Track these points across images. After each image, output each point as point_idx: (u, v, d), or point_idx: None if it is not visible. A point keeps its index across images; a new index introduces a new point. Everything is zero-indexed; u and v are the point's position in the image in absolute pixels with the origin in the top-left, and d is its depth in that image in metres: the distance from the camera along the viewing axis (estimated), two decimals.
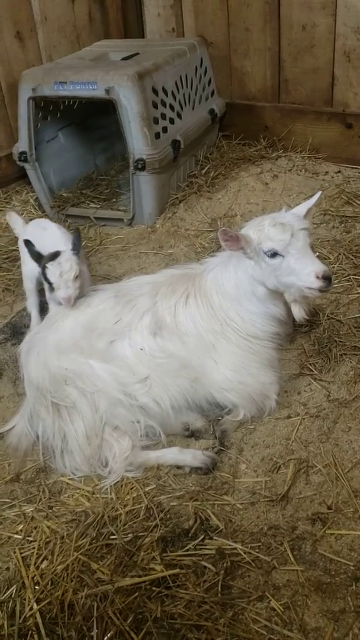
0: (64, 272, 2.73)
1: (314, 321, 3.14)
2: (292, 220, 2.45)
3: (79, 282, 2.77)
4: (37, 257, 2.87)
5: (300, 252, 2.41)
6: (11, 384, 3.01)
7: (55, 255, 2.80)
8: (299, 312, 2.54)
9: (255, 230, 2.48)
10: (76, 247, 2.85)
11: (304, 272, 2.39)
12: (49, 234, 3.13)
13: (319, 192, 2.73)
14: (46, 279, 2.81)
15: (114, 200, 4.62)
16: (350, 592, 2.01)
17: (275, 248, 2.41)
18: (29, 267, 3.18)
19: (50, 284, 2.79)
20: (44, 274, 2.81)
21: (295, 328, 3.05)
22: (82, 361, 2.56)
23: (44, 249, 2.92)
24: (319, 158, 4.75)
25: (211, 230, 4.14)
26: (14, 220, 3.40)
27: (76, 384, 2.53)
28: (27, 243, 2.91)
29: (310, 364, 2.91)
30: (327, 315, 3.16)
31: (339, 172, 4.61)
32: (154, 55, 4.30)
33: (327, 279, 2.38)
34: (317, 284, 2.38)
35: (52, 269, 2.75)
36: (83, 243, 4.14)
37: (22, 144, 4.27)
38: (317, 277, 2.37)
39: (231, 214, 4.28)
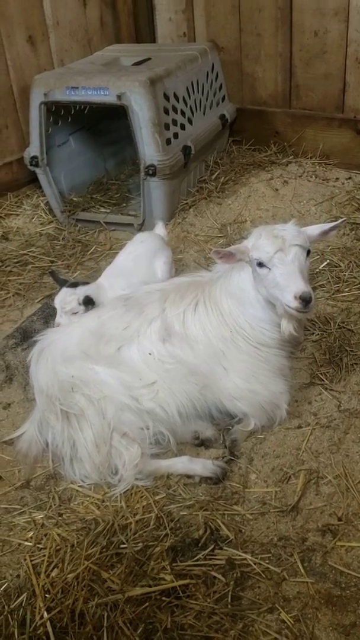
0: (60, 302, 3.05)
1: (324, 330, 3.13)
2: (288, 235, 2.41)
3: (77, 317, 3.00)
4: (61, 282, 3.16)
5: (287, 267, 2.35)
6: (21, 389, 3.02)
7: (70, 285, 3.10)
8: (286, 328, 2.46)
9: (254, 237, 2.49)
10: (87, 302, 3.02)
11: (286, 289, 2.33)
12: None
13: (343, 219, 2.69)
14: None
15: (124, 205, 4.63)
16: None
17: (261, 258, 2.40)
18: None
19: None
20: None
21: (305, 336, 3.05)
22: (89, 368, 2.57)
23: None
24: (330, 164, 4.74)
25: (221, 236, 4.15)
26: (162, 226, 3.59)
27: (83, 391, 2.53)
28: (52, 273, 3.32)
29: (321, 374, 2.91)
30: (338, 324, 3.15)
31: (350, 178, 4.60)
32: (166, 61, 4.30)
33: (305, 300, 2.29)
34: (295, 304, 2.31)
35: (58, 296, 3.09)
36: (92, 248, 4.16)
37: (34, 149, 4.28)
38: (295, 297, 2.30)
39: (241, 220, 4.28)
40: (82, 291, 3.05)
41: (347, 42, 4.46)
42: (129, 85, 3.89)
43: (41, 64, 4.67)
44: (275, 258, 2.36)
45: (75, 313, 3.01)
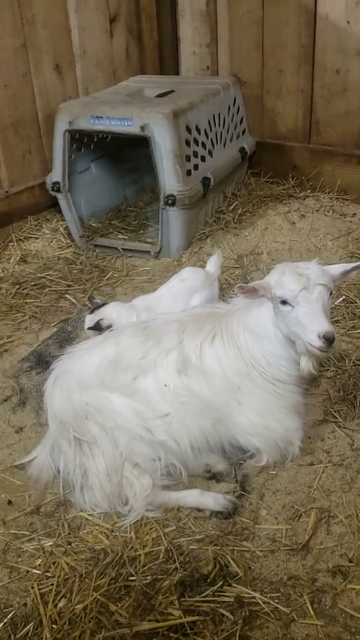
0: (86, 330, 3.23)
1: (339, 366, 3.13)
2: (313, 274, 2.43)
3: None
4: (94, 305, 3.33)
5: (311, 306, 2.37)
6: (34, 413, 3.03)
7: (96, 308, 3.25)
8: (306, 366, 2.49)
9: (277, 274, 2.51)
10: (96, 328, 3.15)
11: (309, 328, 2.35)
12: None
13: None
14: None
15: (142, 232, 4.69)
16: None
17: (285, 296, 2.41)
18: None
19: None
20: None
21: (320, 373, 3.05)
22: (103, 396, 2.58)
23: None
24: (347, 200, 4.79)
25: (237, 267, 4.17)
26: (215, 260, 3.54)
27: (97, 419, 2.54)
28: (90, 299, 3.47)
29: (334, 411, 2.90)
30: (353, 362, 3.15)
31: None
32: (189, 94, 4.38)
33: (328, 340, 2.32)
34: (318, 343, 2.33)
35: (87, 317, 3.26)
36: (109, 273, 4.21)
37: (56, 174, 4.36)
38: (319, 337, 2.32)
39: (257, 252, 4.31)
40: (96, 317, 3.18)
41: None
42: (152, 117, 3.97)
43: (67, 92, 4.77)
44: (299, 296, 2.38)
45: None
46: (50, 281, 4.11)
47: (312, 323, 2.35)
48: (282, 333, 2.51)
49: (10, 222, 4.59)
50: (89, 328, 3.18)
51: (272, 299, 2.50)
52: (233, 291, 3.79)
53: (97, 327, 3.12)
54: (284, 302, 2.42)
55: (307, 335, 2.36)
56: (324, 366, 3.14)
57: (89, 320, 3.21)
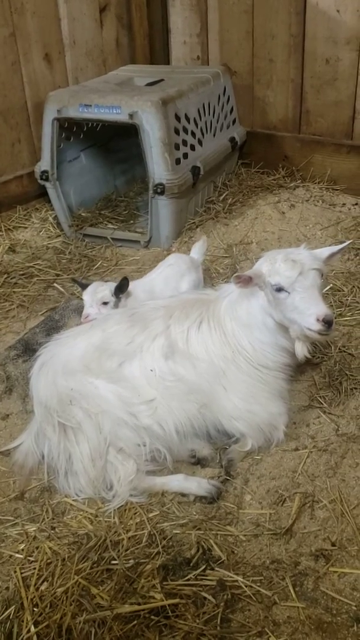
0: (91, 292, 3.18)
1: (325, 353, 3.13)
2: (305, 259, 2.45)
3: (106, 310, 3.13)
4: (84, 285, 3.28)
5: (307, 291, 2.40)
6: (20, 400, 3.02)
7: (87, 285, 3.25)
8: (301, 350, 2.52)
9: (268, 262, 2.50)
10: (121, 287, 3.18)
11: (307, 312, 2.38)
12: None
13: (348, 242, 2.73)
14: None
15: (132, 221, 4.67)
16: (352, 633, 1.98)
17: (281, 283, 2.42)
18: None
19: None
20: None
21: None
22: (88, 382, 2.58)
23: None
24: (337, 190, 4.78)
25: (226, 257, 4.17)
26: (200, 247, 3.61)
27: (81, 404, 2.53)
28: (75, 280, 3.55)
29: (320, 397, 2.90)
30: (339, 348, 3.15)
31: (356, 204, 4.63)
32: (178, 82, 4.37)
33: (327, 323, 2.36)
34: (317, 326, 2.36)
35: (87, 289, 3.22)
36: (98, 263, 4.20)
37: (45, 163, 4.34)
38: (318, 320, 2.35)
39: (247, 241, 4.31)
40: (111, 284, 3.19)
41: (358, 70, 4.52)
42: (141, 104, 3.95)
43: (56, 82, 4.74)
44: (295, 282, 2.39)
45: (106, 303, 3.15)
46: (38, 270, 4.09)
47: (310, 307, 2.37)
48: (275, 320, 2.51)
49: None
50: (119, 287, 3.17)
51: (263, 287, 2.49)
52: (222, 280, 3.81)
53: (125, 284, 3.16)
54: (279, 290, 2.42)
55: (306, 319, 2.37)
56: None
57: (97, 284, 3.22)
